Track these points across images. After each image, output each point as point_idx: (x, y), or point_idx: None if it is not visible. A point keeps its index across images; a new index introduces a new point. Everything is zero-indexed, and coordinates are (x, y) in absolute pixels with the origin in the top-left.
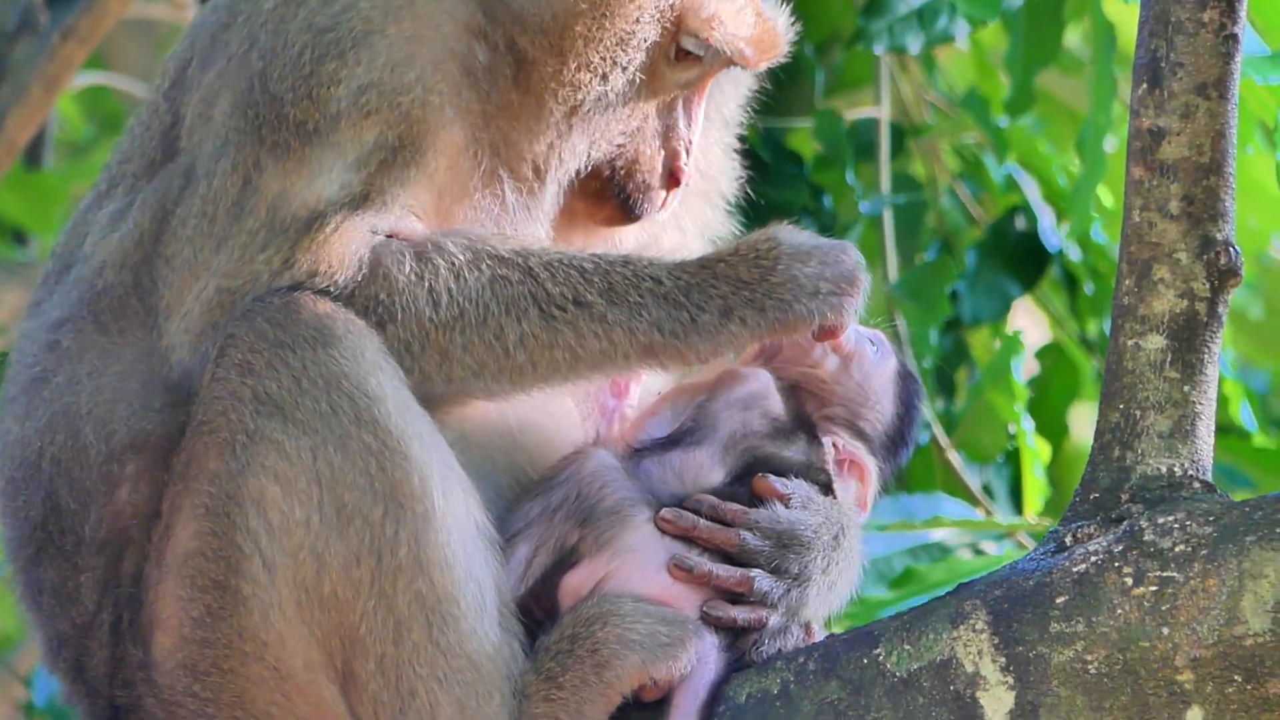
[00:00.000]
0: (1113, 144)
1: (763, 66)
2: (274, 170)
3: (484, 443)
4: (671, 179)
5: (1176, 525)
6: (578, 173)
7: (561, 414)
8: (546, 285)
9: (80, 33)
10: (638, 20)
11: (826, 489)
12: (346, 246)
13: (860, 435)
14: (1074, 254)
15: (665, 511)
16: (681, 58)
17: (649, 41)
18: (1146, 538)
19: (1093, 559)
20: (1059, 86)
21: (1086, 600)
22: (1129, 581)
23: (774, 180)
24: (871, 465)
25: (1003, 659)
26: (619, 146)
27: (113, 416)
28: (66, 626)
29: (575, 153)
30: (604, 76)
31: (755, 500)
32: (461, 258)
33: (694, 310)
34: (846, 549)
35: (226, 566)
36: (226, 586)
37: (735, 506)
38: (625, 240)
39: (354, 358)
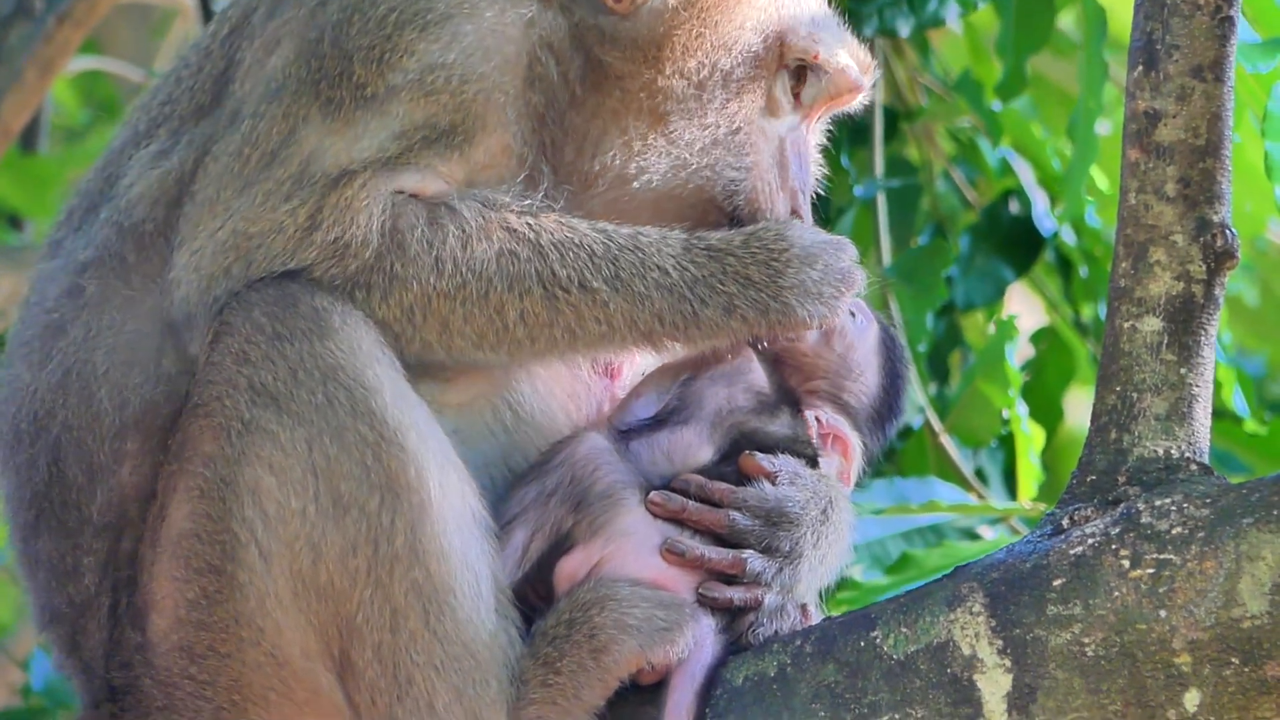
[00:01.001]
0: (1107, 128)
1: (860, 94)
2: (319, 125)
3: (481, 433)
4: (795, 219)
5: (1174, 508)
6: (678, 196)
7: (557, 403)
8: (554, 265)
9: (75, 17)
10: (740, 26)
11: (813, 462)
12: (371, 209)
13: (844, 409)
14: (1068, 238)
15: (654, 495)
16: (795, 81)
17: (752, 52)
18: (1143, 520)
19: (1090, 541)
20: (1052, 69)
21: (1084, 583)
22: (1126, 564)
23: None
24: (855, 440)
25: (1000, 641)
26: (733, 180)
27: (127, 382)
28: (63, 603)
29: (657, 169)
30: (700, 84)
31: (743, 478)
32: (473, 224)
33: (697, 304)
34: (835, 522)
35: (222, 552)
36: (222, 571)
37: (722, 486)
38: None
39: (350, 349)
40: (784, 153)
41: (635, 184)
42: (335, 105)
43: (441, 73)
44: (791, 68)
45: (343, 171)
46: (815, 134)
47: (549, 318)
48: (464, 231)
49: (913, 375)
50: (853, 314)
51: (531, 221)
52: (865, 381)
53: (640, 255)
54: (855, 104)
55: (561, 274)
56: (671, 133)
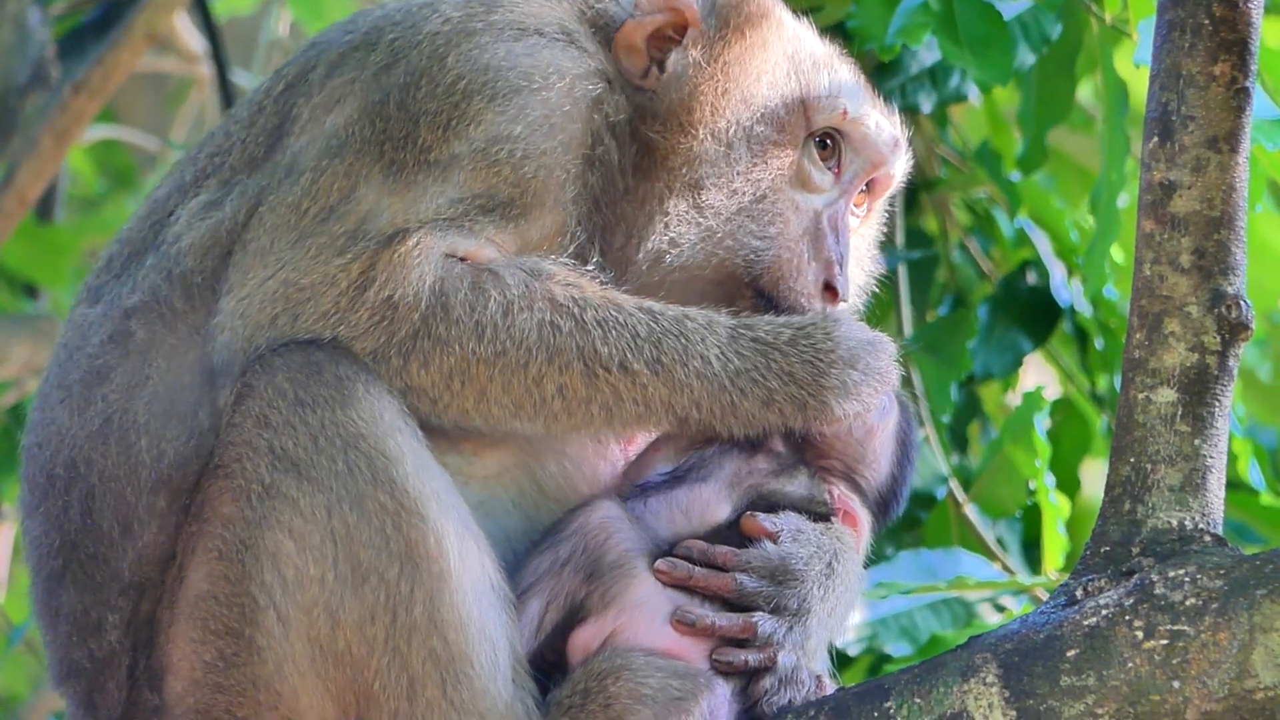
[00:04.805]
0: (1123, 200)
1: (895, 164)
2: (379, 185)
3: (505, 506)
4: (828, 292)
5: (1187, 579)
6: (704, 272)
7: (582, 478)
8: (596, 343)
9: (91, 86)
10: (758, 80)
11: (823, 518)
12: (423, 267)
13: (855, 488)
14: (1084, 309)
15: (660, 562)
16: (825, 158)
17: (772, 111)
18: (1157, 591)
19: (1103, 612)
20: (1068, 142)
21: (1097, 654)
22: (1140, 635)
23: None
24: (865, 517)
25: (1014, 712)
26: (756, 252)
27: (165, 434)
28: (83, 657)
29: (686, 240)
30: (729, 144)
31: (748, 539)
32: (515, 291)
33: (736, 395)
34: (841, 574)
35: (240, 615)
36: (240, 634)
37: (725, 550)
38: None
39: (372, 419)
40: (819, 225)
41: (668, 259)
42: (398, 167)
43: (506, 145)
44: (818, 134)
45: (398, 230)
46: (872, 217)
47: (587, 394)
48: (505, 298)
49: (936, 446)
50: None
51: (577, 295)
52: (878, 468)
53: (684, 342)
54: (897, 177)
55: (603, 352)
56: (702, 202)
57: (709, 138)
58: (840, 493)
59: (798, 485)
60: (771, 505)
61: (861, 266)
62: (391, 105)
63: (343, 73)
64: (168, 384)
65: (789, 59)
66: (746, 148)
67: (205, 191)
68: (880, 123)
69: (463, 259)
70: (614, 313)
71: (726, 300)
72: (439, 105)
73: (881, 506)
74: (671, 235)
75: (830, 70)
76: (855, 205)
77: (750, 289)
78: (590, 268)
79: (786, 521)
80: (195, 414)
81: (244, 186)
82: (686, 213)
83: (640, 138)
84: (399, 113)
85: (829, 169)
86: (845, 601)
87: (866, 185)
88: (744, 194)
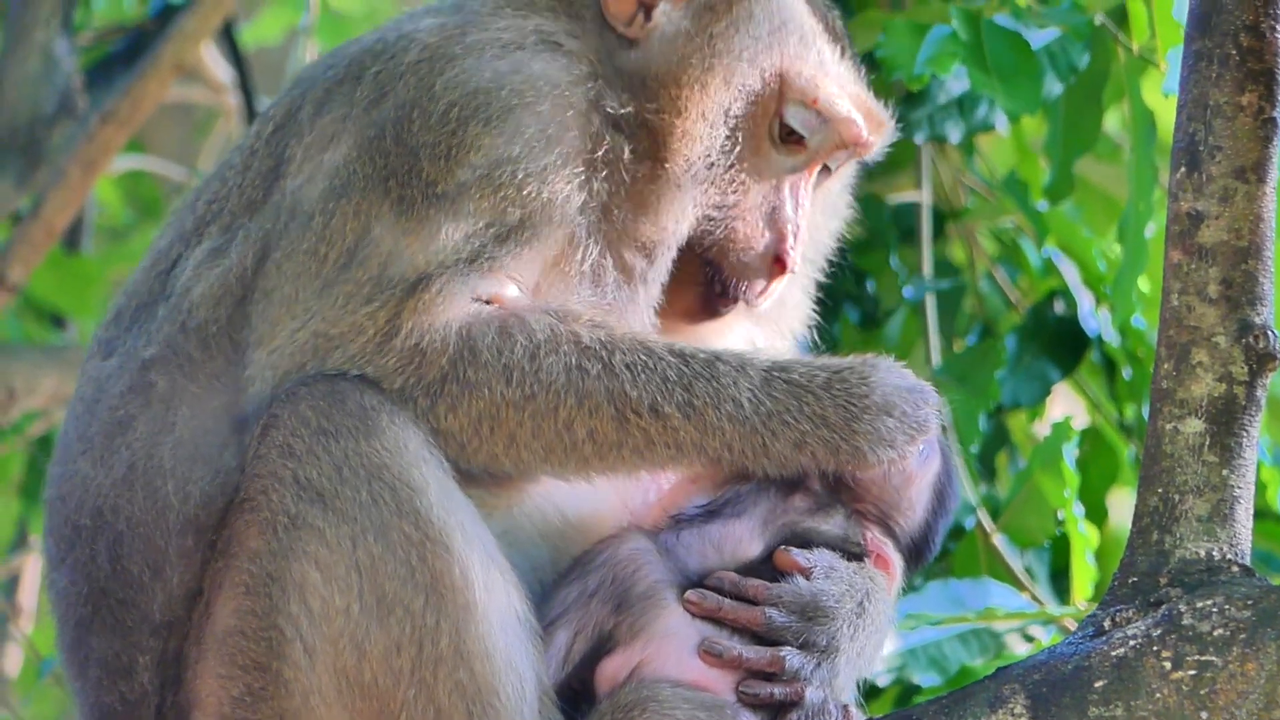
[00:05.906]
0: (1150, 229)
1: (872, 147)
2: (393, 224)
3: (530, 536)
4: (776, 264)
5: (1215, 609)
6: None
7: (607, 507)
8: (625, 386)
9: (119, 116)
10: (739, 57)
11: (857, 558)
12: (449, 314)
13: (889, 534)
14: (1112, 339)
15: (690, 593)
16: (787, 137)
17: (749, 86)
18: (1185, 621)
19: (1131, 643)
20: (1095, 172)
21: (1125, 684)
22: (1168, 665)
23: None
24: (898, 562)
25: None
26: (712, 220)
27: (191, 476)
28: (114, 701)
29: (683, 229)
30: (713, 125)
31: (778, 573)
32: (541, 336)
33: (768, 437)
34: (872, 614)
35: (268, 648)
36: (267, 668)
37: (756, 583)
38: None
39: (396, 449)
40: (780, 194)
41: (660, 239)
42: (407, 203)
43: (508, 167)
44: (790, 109)
45: (420, 275)
46: (839, 179)
47: (618, 438)
48: (532, 341)
49: (964, 476)
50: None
51: (604, 337)
52: (914, 516)
53: (716, 385)
54: (872, 155)
55: (633, 396)
56: (699, 185)
57: (698, 118)
58: (874, 536)
59: (833, 525)
60: (806, 542)
61: (837, 215)
62: (388, 140)
63: (331, 110)
64: (192, 429)
65: (770, 32)
66: (724, 122)
67: (208, 239)
68: (859, 109)
69: (487, 302)
70: (643, 356)
71: (680, 273)
72: (435, 136)
73: (914, 553)
74: (682, 219)
75: (810, 46)
76: (818, 173)
77: (700, 259)
78: (610, 283)
79: (820, 558)
80: (221, 455)
81: (247, 230)
82: (686, 187)
83: (646, 125)
84: (397, 147)
85: (796, 140)
86: (875, 642)
87: (835, 155)
88: (716, 166)
